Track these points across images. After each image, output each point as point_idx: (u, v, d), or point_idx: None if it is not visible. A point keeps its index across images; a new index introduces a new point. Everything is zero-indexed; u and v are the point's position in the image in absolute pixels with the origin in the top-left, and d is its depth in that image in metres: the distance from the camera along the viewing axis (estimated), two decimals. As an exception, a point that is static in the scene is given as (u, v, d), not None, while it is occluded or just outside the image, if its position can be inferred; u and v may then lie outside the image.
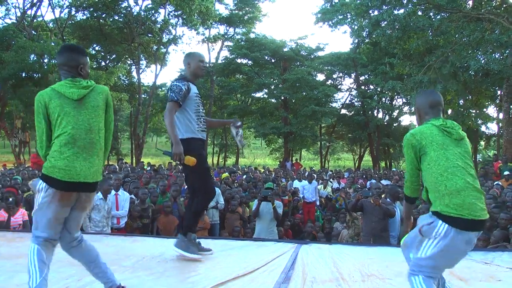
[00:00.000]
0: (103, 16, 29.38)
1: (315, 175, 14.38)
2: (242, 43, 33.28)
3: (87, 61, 3.10)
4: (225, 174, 12.78)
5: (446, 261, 2.82)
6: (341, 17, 29.36)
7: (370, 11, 20.19)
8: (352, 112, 33.81)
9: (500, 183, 11.09)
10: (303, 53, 33.58)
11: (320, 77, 34.72)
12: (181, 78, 4.23)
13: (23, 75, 22.34)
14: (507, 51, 15.89)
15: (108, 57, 32.89)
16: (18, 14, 26.96)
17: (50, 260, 2.93)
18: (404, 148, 3.02)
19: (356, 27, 24.60)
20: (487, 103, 27.20)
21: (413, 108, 31.80)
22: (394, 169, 28.96)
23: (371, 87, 32.18)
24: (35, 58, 22.67)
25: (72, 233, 3.03)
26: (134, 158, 30.64)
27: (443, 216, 2.76)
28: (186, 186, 9.51)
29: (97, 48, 32.44)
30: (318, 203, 12.17)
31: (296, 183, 13.30)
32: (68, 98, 2.88)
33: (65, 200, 2.87)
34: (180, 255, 4.05)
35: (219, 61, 34.54)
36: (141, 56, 30.89)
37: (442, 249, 2.73)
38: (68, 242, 3.03)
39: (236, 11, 34.79)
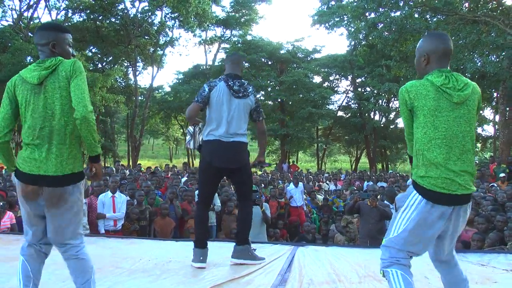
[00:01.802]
0: (100, 18, 29.41)
1: (304, 178, 13.79)
2: (239, 45, 33.32)
3: (63, 37, 2.80)
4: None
5: (418, 239, 2.61)
6: (338, 19, 29.42)
7: (367, 14, 20.27)
8: (349, 114, 33.87)
9: (496, 185, 11.14)
10: (300, 55, 33.63)
11: (317, 79, 34.81)
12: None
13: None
14: (503, 53, 15.94)
15: (105, 59, 32.91)
16: (15, 16, 26.93)
17: (37, 270, 2.80)
18: (399, 103, 2.75)
19: (352, 29, 24.72)
20: (483, 105, 27.30)
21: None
22: (390, 171, 29.01)
23: (368, 89, 32.25)
24: (31, 60, 22.64)
25: (52, 239, 2.76)
26: (130, 160, 30.61)
27: (417, 186, 2.62)
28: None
29: (93, 50, 32.46)
30: (305, 208, 11.38)
31: (292, 186, 13.34)
32: (30, 83, 2.66)
33: (29, 193, 2.67)
34: (245, 263, 3.96)
35: (216, 63, 34.62)
36: (138, 58, 30.94)
37: (415, 222, 2.58)
38: (61, 251, 2.79)
39: (233, 13, 34.92)
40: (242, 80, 4.10)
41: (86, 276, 2.75)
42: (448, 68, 2.70)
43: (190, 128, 4.34)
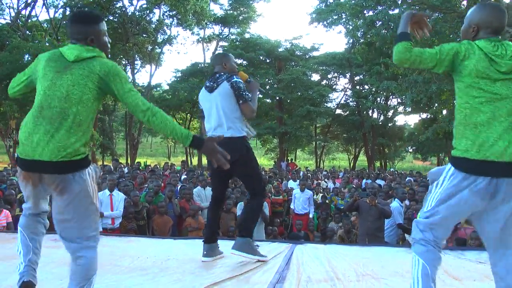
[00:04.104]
0: (98, 16, 29.33)
1: (309, 181, 12.40)
2: (237, 43, 33.39)
3: (100, 28, 2.65)
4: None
5: (451, 215, 2.41)
6: (336, 17, 29.45)
7: (365, 11, 20.28)
8: (347, 112, 33.95)
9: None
10: (298, 53, 33.67)
11: (315, 77, 34.85)
12: (234, 75, 4.04)
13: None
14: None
15: (103, 57, 32.84)
16: (13, 14, 26.89)
17: (35, 236, 2.71)
18: (449, 46, 2.48)
19: (351, 27, 24.70)
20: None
21: (408, 108, 32.29)
22: (392, 169, 29.09)
23: (366, 87, 32.29)
24: (29, 59, 22.54)
25: (59, 234, 2.57)
26: (129, 158, 30.62)
27: (452, 157, 2.40)
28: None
29: (91, 49, 32.38)
30: (311, 215, 10.41)
31: (291, 183, 13.31)
32: (63, 57, 2.52)
33: (27, 180, 2.53)
34: (244, 257, 3.90)
35: (214, 61, 34.52)
36: (136, 56, 30.94)
37: (447, 196, 2.37)
38: (68, 249, 2.57)
39: (231, 11, 34.91)
40: (218, 74, 4.05)
41: (80, 283, 2.50)
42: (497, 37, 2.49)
43: None
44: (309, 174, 17.25)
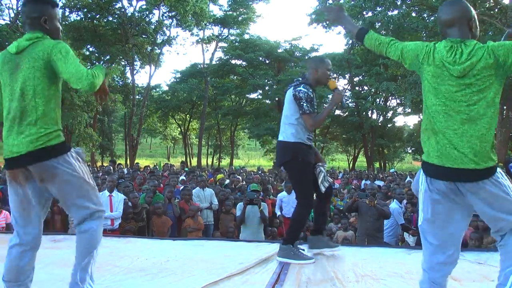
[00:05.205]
0: (97, 17, 29.41)
1: None
2: (236, 44, 33.39)
3: (55, 12, 2.69)
4: (220, 175, 12.69)
5: (439, 227, 2.40)
6: (336, 18, 29.40)
7: (364, 12, 20.28)
8: (347, 113, 33.92)
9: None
10: (298, 54, 33.68)
11: (315, 78, 34.77)
12: (307, 83, 4.07)
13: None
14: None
15: (102, 58, 32.87)
16: (12, 15, 26.86)
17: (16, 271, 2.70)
18: (416, 44, 2.54)
19: (350, 28, 24.68)
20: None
21: (407, 109, 32.33)
22: (392, 169, 29.07)
23: (365, 88, 32.32)
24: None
25: (68, 211, 2.77)
26: (128, 159, 30.61)
27: (422, 163, 2.46)
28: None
29: (91, 49, 32.48)
30: None
31: (284, 194, 13.21)
32: (10, 53, 2.56)
33: (13, 178, 2.59)
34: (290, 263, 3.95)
35: (214, 62, 34.64)
36: (135, 57, 30.93)
37: (428, 207, 2.39)
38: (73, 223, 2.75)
39: (230, 12, 34.98)
40: (297, 79, 4.18)
41: (84, 255, 2.69)
42: (463, 36, 2.41)
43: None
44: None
